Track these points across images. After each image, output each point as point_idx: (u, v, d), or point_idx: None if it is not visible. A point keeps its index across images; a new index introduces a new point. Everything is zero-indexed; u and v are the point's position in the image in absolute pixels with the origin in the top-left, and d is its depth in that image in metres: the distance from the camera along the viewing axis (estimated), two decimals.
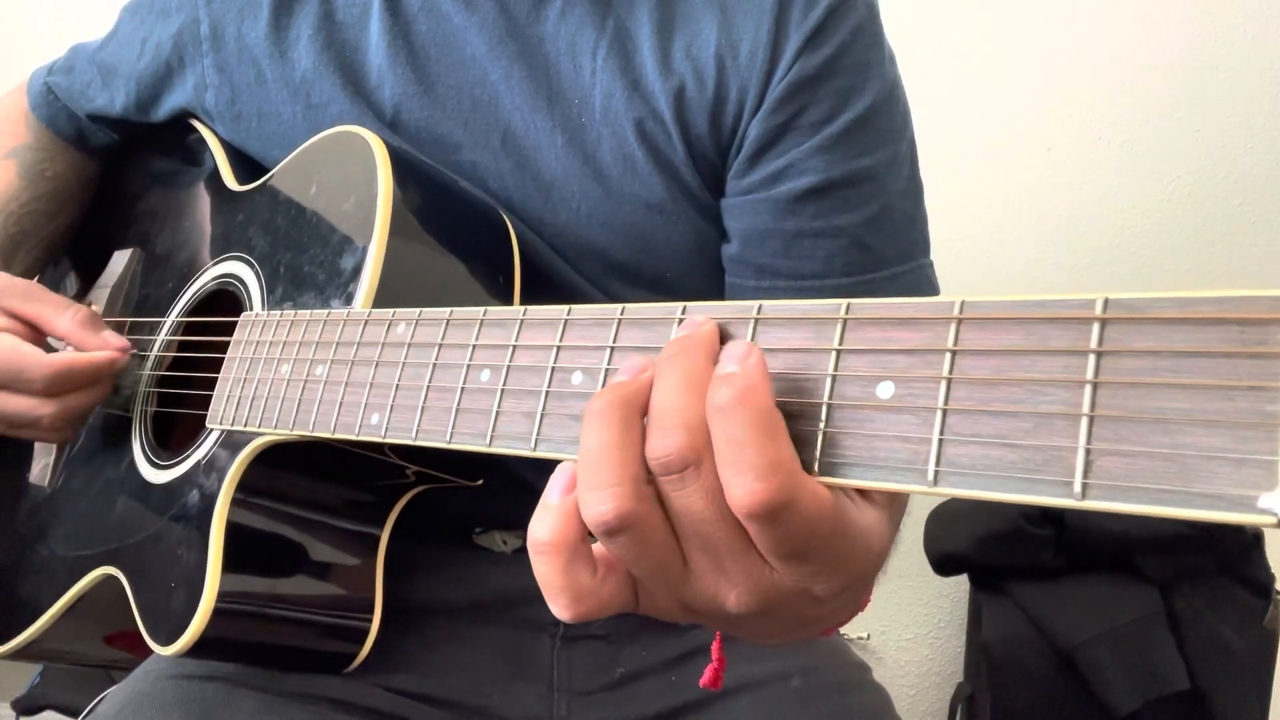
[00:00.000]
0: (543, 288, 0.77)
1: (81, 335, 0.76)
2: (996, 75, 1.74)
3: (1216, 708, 1.35)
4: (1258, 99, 1.70)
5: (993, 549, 1.48)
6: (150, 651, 0.69)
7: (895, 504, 0.69)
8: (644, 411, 0.39)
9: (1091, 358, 0.30)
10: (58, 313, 0.77)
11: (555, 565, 0.39)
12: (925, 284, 0.80)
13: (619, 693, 0.79)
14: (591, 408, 0.39)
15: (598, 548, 0.41)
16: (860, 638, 1.79)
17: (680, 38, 0.76)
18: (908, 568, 1.76)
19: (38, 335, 0.78)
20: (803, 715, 0.74)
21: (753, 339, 0.39)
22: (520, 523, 0.83)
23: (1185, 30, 1.70)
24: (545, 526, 0.39)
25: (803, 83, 0.75)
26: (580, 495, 0.38)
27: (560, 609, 0.40)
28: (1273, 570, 1.42)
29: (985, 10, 1.73)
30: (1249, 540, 1.40)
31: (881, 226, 0.77)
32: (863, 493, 0.39)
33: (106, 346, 0.76)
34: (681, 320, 0.41)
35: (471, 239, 0.73)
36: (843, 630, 1.37)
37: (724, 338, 0.40)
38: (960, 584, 1.68)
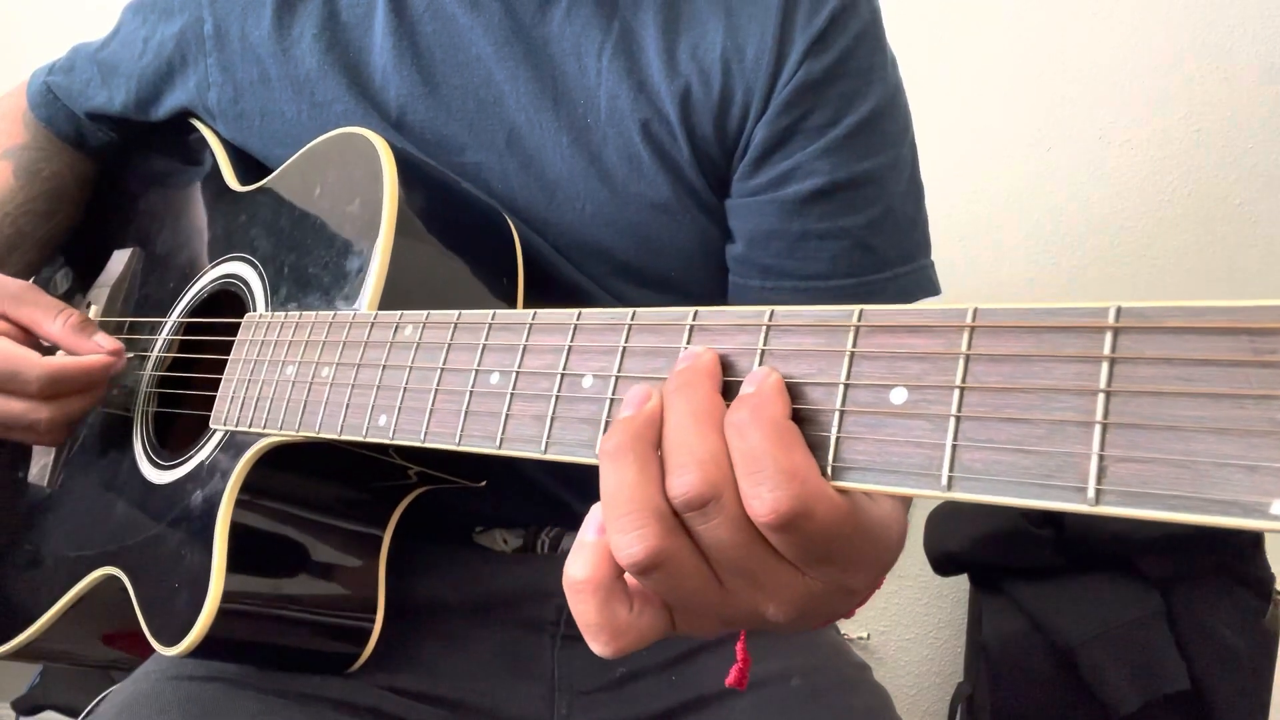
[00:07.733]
0: (547, 288, 0.77)
1: (73, 339, 0.76)
2: (996, 75, 1.74)
3: (1216, 708, 1.35)
4: (1258, 99, 1.70)
5: (993, 549, 1.47)
6: (150, 652, 0.69)
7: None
8: (657, 444, 0.39)
9: (1104, 365, 0.30)
10: (49, 316, 0.76)
11: (592, 604, 0.40)
12: (926, 284, 0.80)
13: (619, 692, 0.79)
14: (605, 448, 0.39)
15: (631, 579, 0.41)
16: (860, 638, 1.79)
17: (686, 40, 0.77)
18: (908, 568, 1.75)
19: (30, 338, 0.77)
20: (802, 715, 0.74)
21: (765, 344, 0.39)
22: (520, 522, 0.84)
23: (1185, 30, 1.70)
24: (580, 565, 0.40)
25: (808, 87, 0.75)
26: (610, 538, 0.39)
27: (600, 645, 0.40)
28: (1273, 570, 1.42)
29: (985, 10, 1.73)
30: (1249, 540, 1.40)
31: (884, 228, 0.78)
32: None
33: (99, 350, 0.76)
34: (694, 326, 0.41)
35: (475, 241, 0.73)
36: (843, 630, 1.37)
37: (725, 363, 0.40)
38: (960, 584, 1.68)
